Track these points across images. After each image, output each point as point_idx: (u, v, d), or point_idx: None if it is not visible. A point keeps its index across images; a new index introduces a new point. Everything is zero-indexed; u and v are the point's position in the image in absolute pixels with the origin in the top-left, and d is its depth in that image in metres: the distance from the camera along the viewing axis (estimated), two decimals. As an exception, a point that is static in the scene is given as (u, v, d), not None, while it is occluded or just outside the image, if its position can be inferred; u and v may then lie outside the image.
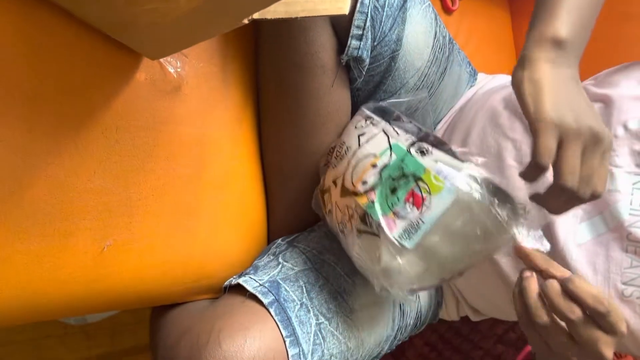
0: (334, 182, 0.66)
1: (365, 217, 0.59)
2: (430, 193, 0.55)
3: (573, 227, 0.64)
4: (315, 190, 0.72)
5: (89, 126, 0.50)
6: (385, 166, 0.60)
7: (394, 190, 0.57)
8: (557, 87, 0.52)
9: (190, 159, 0.60)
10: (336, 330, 0.65)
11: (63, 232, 0.50)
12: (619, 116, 0.64)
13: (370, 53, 0.68)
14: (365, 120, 0.67)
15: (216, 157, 0.64)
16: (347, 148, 0.66)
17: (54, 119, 0.48)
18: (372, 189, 0.59)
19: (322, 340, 0.63)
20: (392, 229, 0.55)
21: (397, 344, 0.77)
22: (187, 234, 0.61)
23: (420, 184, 0.56)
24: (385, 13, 0.67)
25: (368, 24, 0.66)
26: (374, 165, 0.61)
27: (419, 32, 0.73)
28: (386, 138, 0.62)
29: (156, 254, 0.58)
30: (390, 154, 0.60)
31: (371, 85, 0.73)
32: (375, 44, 0.68)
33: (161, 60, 0.55)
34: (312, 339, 0.63)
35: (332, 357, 0.64)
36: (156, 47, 0.50)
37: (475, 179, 0.54)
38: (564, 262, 0.63)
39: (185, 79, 0.58)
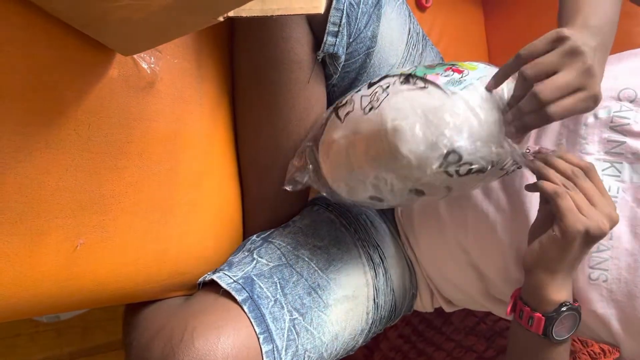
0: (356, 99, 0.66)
1: (409, 78, 0.61)
2: (467, 69, 0.60)
3: None
4: (325, 114, 0.70)
5: (61, 123, 0.49)
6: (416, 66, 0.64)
7: (431, 67, 0.62)
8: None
9: (164, 155, 0.59)
10: (310, 326, 0.66)
11: (35, 231, 0.50)
12: None
13: (346, 50, 0.69)
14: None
15: (191, 153, 0.63)
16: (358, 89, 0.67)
17: (23, 116, 0.47)
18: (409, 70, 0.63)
19: (296, 336, 0.64)
20: (438, 79, 0.59)
21: (372, 337, 0.78)
22: (161, 231, 0.61)
23: (457, 65, 0.62)
24: (360, 10, 0.67)
25: (344, 20, 0.66)
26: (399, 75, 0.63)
27: (393, 29, 0.73)
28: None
29: (130, 252, 0.58)
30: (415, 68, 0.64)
31: (346, 81, 0.73)
32: (351, 40, 0.69)
33: (134, 56, 0.54)
34: (286, 335, 0.63)
35: (307, 352, 0.65)
36: (129, 43, 0.50)
37: None
38: None
39: (159, 75, 0.57)
